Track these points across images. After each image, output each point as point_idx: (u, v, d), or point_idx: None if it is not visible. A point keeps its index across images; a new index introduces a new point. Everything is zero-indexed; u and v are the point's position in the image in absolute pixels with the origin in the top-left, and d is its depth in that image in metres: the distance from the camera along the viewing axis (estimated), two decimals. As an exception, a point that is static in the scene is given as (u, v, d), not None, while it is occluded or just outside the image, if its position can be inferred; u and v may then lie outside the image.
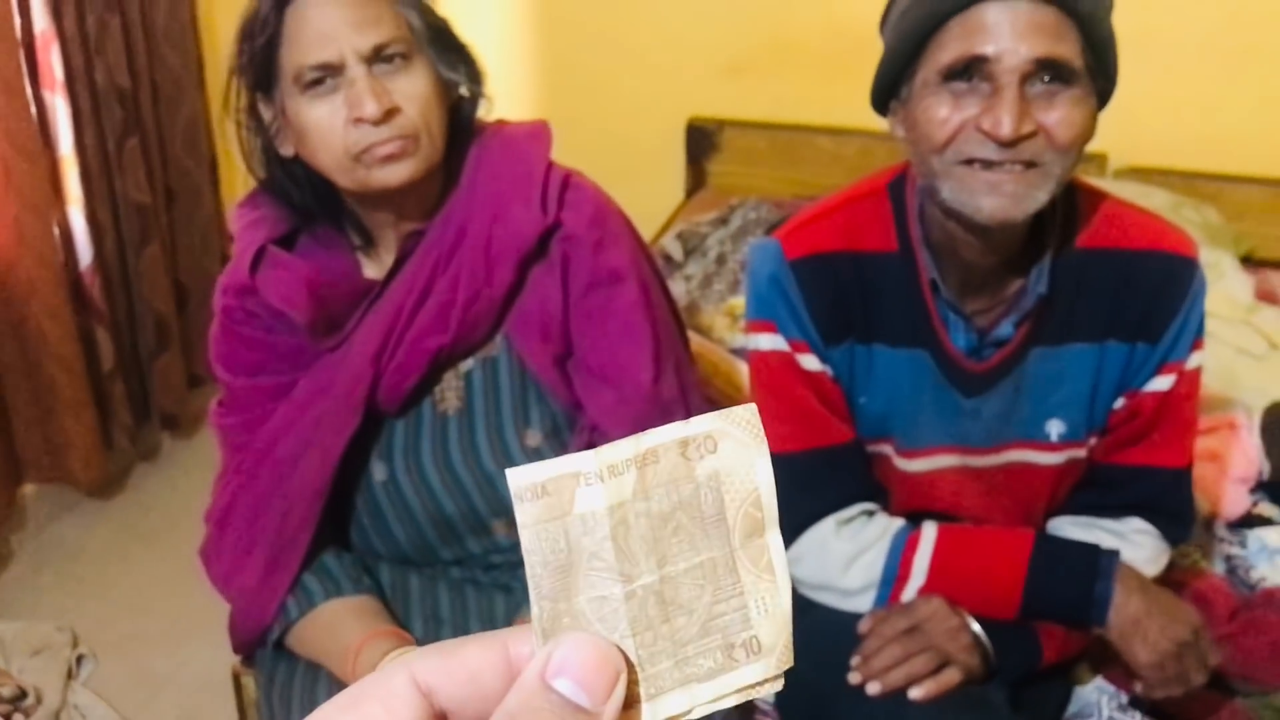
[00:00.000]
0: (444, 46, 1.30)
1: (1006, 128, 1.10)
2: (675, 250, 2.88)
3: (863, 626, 1.28)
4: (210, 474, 1.47)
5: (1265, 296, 2.67)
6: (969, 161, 1.15)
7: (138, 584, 2.59)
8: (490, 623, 1.41)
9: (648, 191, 3.30)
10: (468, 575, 1.44)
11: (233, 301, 1.35)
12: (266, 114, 1.28)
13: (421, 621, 1.40)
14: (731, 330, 2.31)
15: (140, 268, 2.82)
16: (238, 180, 3.21)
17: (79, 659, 2.35)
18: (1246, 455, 1.86)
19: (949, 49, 1.13)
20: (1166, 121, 2.94)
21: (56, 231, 2.53)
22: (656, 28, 3.29)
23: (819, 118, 3.23)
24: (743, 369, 2.12)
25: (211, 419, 1.43)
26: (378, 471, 1.38)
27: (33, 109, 2.43)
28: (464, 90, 1.32)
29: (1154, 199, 2.80)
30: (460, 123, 1.33)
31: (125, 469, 2.94)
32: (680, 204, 3.34)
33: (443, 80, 1.29)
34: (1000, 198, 1.14)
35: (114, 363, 2.74)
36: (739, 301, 2.39)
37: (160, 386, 2.94)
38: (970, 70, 1.13)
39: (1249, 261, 2.88)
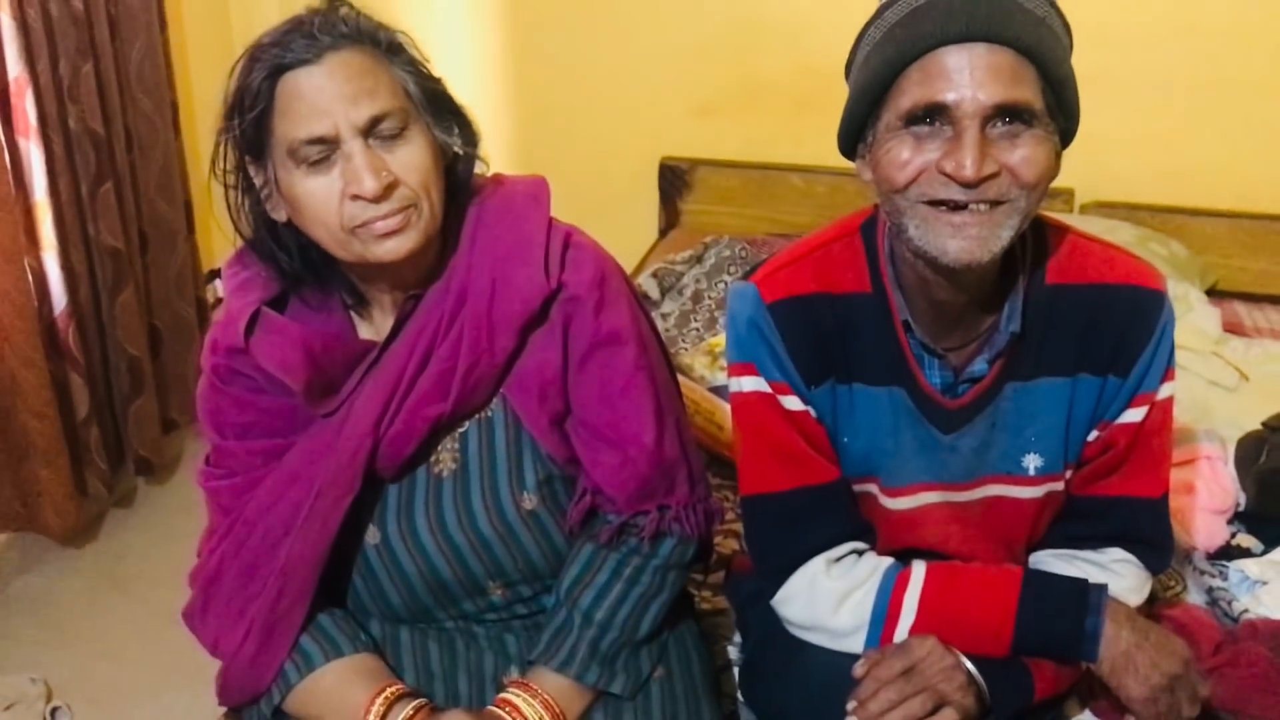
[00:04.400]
0: (440, 110, 1.27)
1: (969, 170, 1.11)
2: (652, 289, 2.89)
3: (858, 669, 1.27)
4: (186, 519, 1.43)
5: (1232, 328, 2.72)
6: (934, 203, 1.16)
7: (114, 633, 2.56)
8: (479, 679, 1.40)
9: (622, 231, 3.32)
10: (460, 628, 1.42)
11: (221, 360, 1.31)
12: (257, 178, 1.24)
13: (413, 674, 1.39)
14: (711, 369, 2.31)
15: (114, 313, 2.81)
16: (212, 223, 3.21)
17: (54, 711, 2.32)
18: (1223, 487, 1.88)
19: (909, 95, 1.14)
20: (1131, 157, 2.99)
21: (30, 278, 2.52)
22: (628, 69, 3.32)
23: (789, 156, 3.27)
24: (724, 407, 2.13)
25: (199, 479, 1.39)
26: (370, 534, 1.35)
27: (5, 155, 2.43)
28: (458, 149, 1.29)
29: (1120, 233, 2.84)
30: (456, 182, 1.30)
31: (99, 516, 2.92)
32: (654, 242, 3.37)
33: (439, 144, 1.26)
34: (965, 240, 1.15)
35: (88, 409, 2.72)
36: (718, 340, 2.40)
37: (135, 431, 2.92)
38: (931, 115, 1.14)
39: (1214, 293, 2.94)
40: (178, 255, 3.05)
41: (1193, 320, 2.59)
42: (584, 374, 1.33)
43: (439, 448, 1.35)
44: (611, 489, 1.35)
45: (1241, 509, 1.90)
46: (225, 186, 1.27)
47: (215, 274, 3.32)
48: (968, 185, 1.13)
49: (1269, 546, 1.82)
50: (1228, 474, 1.93)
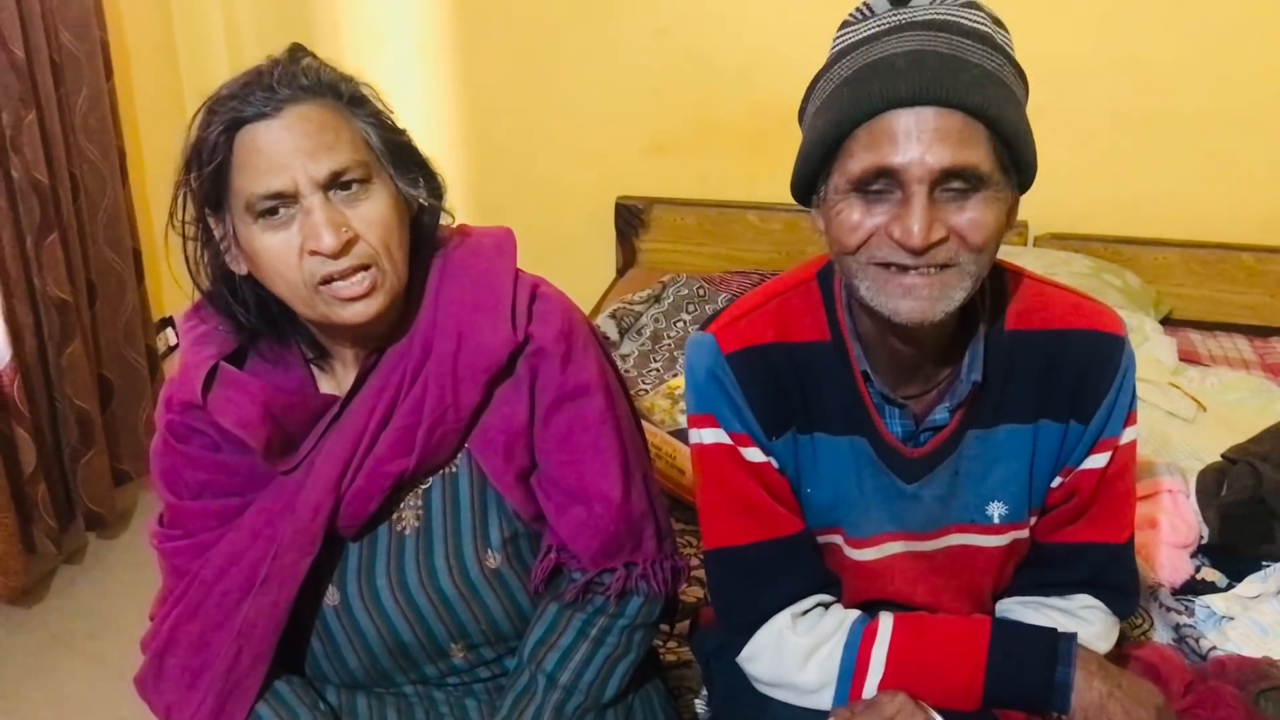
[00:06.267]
0: (404, 162, 1.25)
1: (917, 238, 1.10)
2: (611, 330, 2.88)
3: (828, 731, 1.26)
4: (140, 573, 1.39)
5: (1186, 356, 2.74)
6: (884, 264, 1.15)
7: (67, 696, 2.48)
8: (440, 748, 1.36)
9: (579, 271, 3.33)
10: (420, 693, 1.39)
11: (176, 418, 1.28)
12: (216, 230, 1.22)
13: (372, 744, 1.36)
14: (673, 411, 2.29)
15: (62, 365, 2.75)
16: (163, 271, 3.16)
17: (3, 780, 2.26)
18: (1185, 520, 1.88)
19: (858, 159, 1.13)
20: (1083, 189, 3.03)
21: (-27, 332, 2.46)
22: (583, 110, 3.32)
23: (744, 194, 3.29)
24: (685, 451, 2.11)
25: (152, 540, 1.35)
26: (329, 595, 1.32)
27: (-53, 209, 2.38)
28: (423, 201, 1.27)
29: (1074, 264, 2.87)
30: (420, 234, 1.28)
31: (49, 573, 2.85)
32: (612, 282, 3.36)
33: (403, 197, 1.24)
34: (916, 300, 1.14)
35: (35, 464, 2.66)
36: (678, 381, 2.38)
37: (85, 486, 2.86)
38: (880, 179, 1.13)
39: (1168, 322, 2.97)
40: (127, 304, 3.00)
41: (1149, 351, 2.60)
42: (550, 427, 1.31)
43: (402, 505, 1.32)
44: (577, 545, 1.32)
45: (1205, 542, 1.90)
46: (184, 238, 1.24)
47: (167, 322, 3.27)
48: (915, 252, 1.12)
49: (1233, 580, 1.82)
50: (1190, 507, 1.93)
